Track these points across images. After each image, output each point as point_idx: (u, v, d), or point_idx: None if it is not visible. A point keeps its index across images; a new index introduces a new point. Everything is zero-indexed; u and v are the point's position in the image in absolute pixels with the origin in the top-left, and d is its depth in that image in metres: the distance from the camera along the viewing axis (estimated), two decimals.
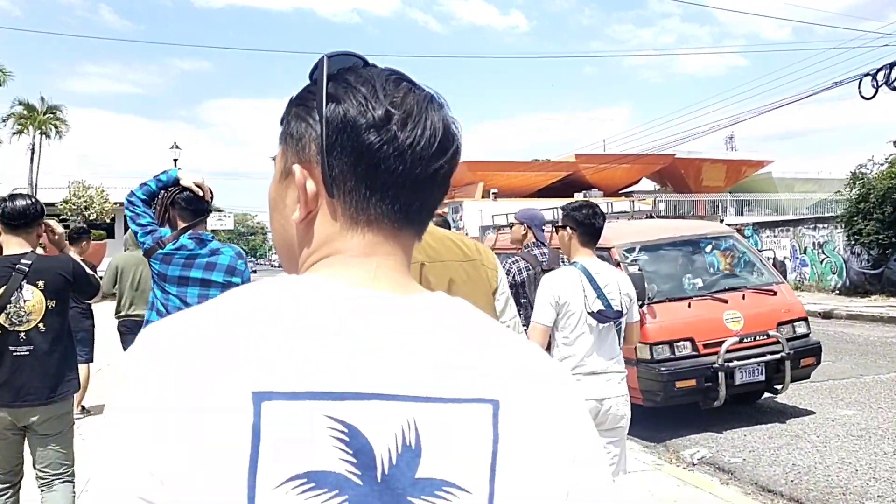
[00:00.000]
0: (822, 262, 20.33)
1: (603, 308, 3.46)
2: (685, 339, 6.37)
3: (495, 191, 45.70)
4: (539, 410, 0.74)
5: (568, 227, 3.58)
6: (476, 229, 41.99)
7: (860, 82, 15.81)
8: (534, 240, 4.99)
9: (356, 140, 0.74)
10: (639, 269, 6.38)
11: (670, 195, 39.58)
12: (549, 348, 3.57)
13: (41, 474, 3.43)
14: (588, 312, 3.44)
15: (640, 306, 6.32)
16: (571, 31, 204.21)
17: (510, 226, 5.70)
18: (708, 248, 7.29)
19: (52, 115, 27.87)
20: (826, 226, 21.43)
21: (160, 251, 3.29)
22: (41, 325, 3.32)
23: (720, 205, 40.55)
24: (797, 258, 21.61)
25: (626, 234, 7.15)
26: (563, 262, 4.50)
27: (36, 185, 27.51)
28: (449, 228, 5.21)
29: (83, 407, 6.75)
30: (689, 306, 6.54)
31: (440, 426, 0.68)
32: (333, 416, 0.65)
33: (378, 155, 0.74)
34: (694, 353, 6.37)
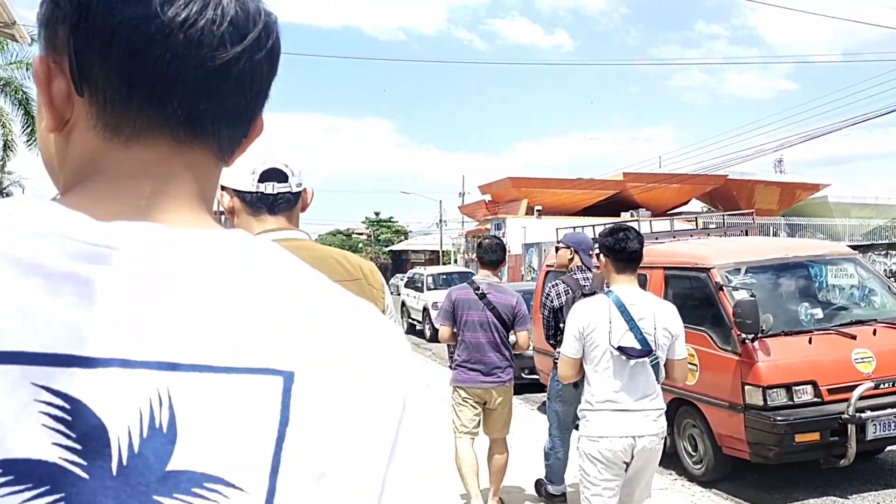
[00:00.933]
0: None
1: (628, 344, 3.24)
2: (806, 383, 5.24)
3: (539, 208, 45.19)
4: (352, 389, 0.58)
5: (602, 255, 3.48)
6: (519, 247, 41.40)
7: None
8: (579, 264, 4.85)
9: (106, 17, 0.57)
10: (751, 295, 5.28)
11: (720, 216, 38.40)
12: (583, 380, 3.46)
13: None
14: (611, 347, 3.25)
15: (752, 340, 5.28)
16: (616, 51, 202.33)
17: (556, 249, 5.32)
18: (827, 272, 6.16)
19: None
20: None
21: None
22: None
23: (772, 228, 39.28)
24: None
25: (728, 253, 6.06)
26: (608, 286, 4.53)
27: None
28: (500, 261, 4.86)
29: None
30: (810, 342, 5.41)
31: (206, 403, 0.53)
32: (49, 386, 0.50)
33: (135, 37, 0.56)
34: (817, 399, 5.24)
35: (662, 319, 3.32)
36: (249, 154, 1.87)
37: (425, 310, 16.90)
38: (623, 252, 3.37)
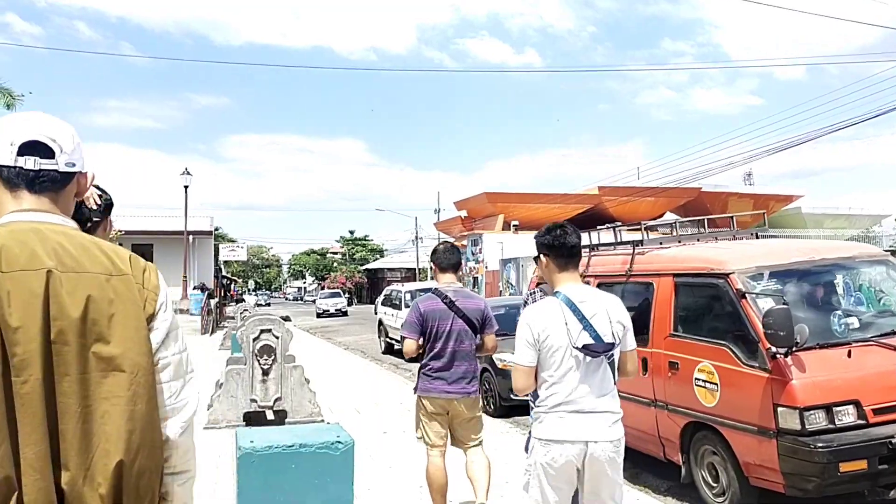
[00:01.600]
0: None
1: (591, 342, 3.14)
2: (848, 403, 4.55)
3: (516, 223, 44.81)
4: None
5: (541, 255, 3.42)
6: (496, 262, 40.83)
7: None
8: None
9: None
10: (784, 303, 4.59)
11: (693, 229, 38.28)
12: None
13: None
14: (574, 347, 3.12)
15: (784, 354, 4.59)
16: (585, 69, 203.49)
17: (535, 259, 4.81)
18: (858, 276, 5.51)
19: None
20: None
21: None
22: None
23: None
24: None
25: (747, 257, 5.37)
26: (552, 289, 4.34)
27: None
28: (459, 263, 4.84)
29: None
30: (849, 355, 4.72)
31: None
32: None
33: None
34: (861, 421, 4.55)
35: (615, 312, 3.24)
36: (13, 123, 1.61)
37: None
38: (563, 248, 3.32)
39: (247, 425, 7.22)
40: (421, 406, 4.61)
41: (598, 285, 5.70)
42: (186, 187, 27.62)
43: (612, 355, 3.21)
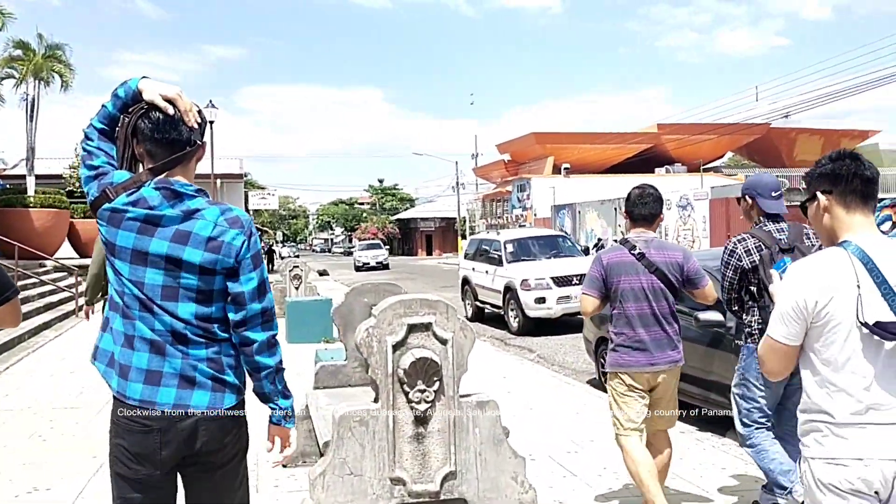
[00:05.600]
0: None
1: (890, 318, 2.05)
2: None
3: (567, 166, 41.18)
4: None
5: (818, 193, 2.26)
6: (547, 209, 36.93)
7: None
8: (766, 213, 3.91)
9: None
10: None
11: (760, 170, 34.61)
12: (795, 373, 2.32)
13: None
14: (860, 323, 2.05)
15: None
16: (606, 11, 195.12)
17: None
18: None
19: (52, 58, 21.76)
20: None
21: (107, 206, 2.06)
22: None
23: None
24: None
25: None
26: (810, 238, 3.79)
27: (33, 147, 21.75)
28: (656, 214, 4.01)
29: None
30: None
31: None
32: None
33: None
34: None
35: None
36: None
37: (509, 290, 12.10)
38: (862, 181, 2.18)
39: None
40: (619, 383, 3.90)
41: None
42: (211, 122, 23.43)
43: None
